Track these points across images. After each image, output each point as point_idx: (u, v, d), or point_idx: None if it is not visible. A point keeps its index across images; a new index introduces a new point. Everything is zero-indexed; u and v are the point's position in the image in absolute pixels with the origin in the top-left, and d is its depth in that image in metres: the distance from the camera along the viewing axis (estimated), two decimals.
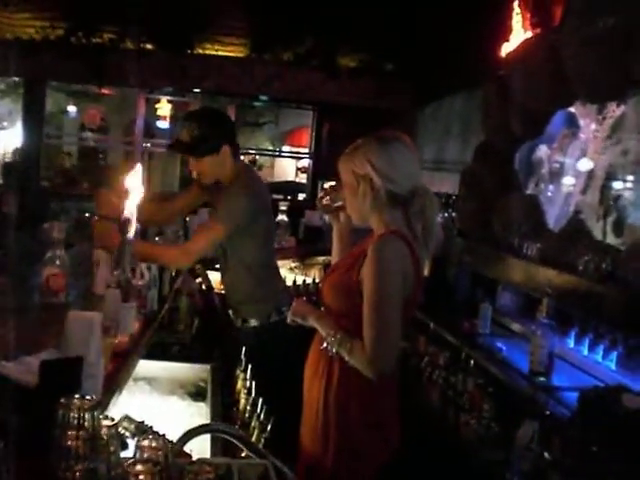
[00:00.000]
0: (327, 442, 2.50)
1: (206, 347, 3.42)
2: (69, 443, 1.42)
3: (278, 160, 16.54)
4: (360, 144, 2.50)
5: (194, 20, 8.66)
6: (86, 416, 1.42)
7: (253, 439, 2.32)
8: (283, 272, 4.23)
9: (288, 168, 16.05)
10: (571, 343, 3.76)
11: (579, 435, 2.80)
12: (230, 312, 3.67)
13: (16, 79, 10.77)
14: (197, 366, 3.11)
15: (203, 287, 4.04)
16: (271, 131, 16.74)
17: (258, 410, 2.44)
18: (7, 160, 11.98)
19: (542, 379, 3.41)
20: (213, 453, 2.16)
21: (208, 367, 3.07)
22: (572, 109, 4.47)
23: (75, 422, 1.41)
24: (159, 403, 2.77)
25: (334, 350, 2.44)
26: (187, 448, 1.81)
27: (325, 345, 2.48)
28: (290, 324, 2.64)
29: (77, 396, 1.46)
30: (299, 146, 14.14)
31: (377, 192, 2.43)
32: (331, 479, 2.51)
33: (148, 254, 3.24)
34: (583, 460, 2.73)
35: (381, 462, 2.52)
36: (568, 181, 4.53)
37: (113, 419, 1.70)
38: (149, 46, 8.87)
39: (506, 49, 5.14)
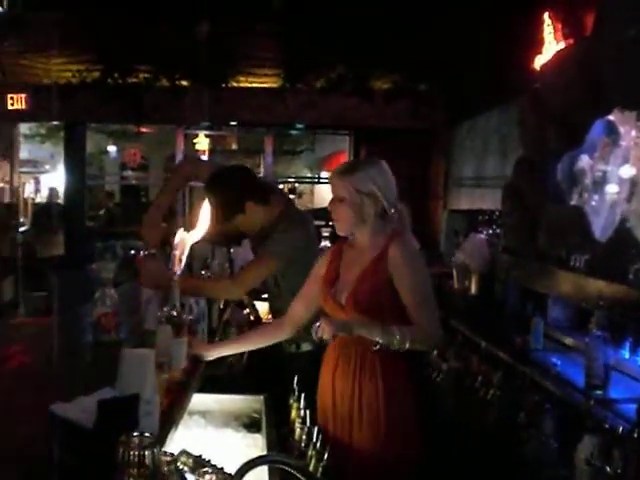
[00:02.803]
0: (391, 439, 2.72)
1: (258, 378, 3.43)
2: None
3: (317, 186, 16.51)
4: (357, 165, 2.93)
5: (227, 54, 8.79)
6: (146, 453, 1.43)
7: (311, 468, 2.31)
8: None
9: (328, 194, 15.99)
10: (626, 354, 3.69)
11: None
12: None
13: (56, 123, 10.99)
14: (250, 397, 3.10)
15: (251, 318, 4.05)
16: (309, 158, 16.82)
17: (314, 439, 2.43)
18: (50, 202, 12.15)
19: (599, 392, 3.34)
20: None
21: (261, 398, 3.06)
22: (611, 117, 4.42)
23: (136, 460, 1.42)
24: (214, 436, 2.77)
25: (396, 344, 2.55)
26: None
27: (377, 346, 2.59)
28: (327, 341, 2.68)
29: (136, 434, 1.47)
30: None
31: (378, 207, 2.78)
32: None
33: (198, 289, 3.30)
34: None
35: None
36: (612, 189, 4.45)
37: (172, 454, 1.71)
38: (184, 83, 9.01)
39: (539, 61, 5.12)
